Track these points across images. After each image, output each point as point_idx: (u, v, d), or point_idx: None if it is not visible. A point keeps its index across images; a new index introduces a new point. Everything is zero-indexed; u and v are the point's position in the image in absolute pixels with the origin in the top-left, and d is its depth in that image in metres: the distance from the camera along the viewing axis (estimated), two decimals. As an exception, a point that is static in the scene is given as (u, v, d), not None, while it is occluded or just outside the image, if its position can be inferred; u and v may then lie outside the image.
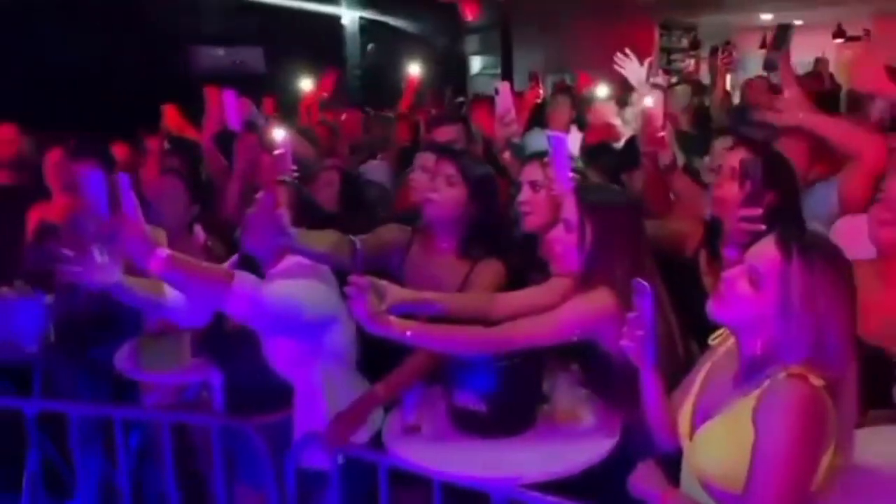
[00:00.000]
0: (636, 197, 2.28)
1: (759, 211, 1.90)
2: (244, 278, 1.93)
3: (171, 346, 2.59)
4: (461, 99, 7.48)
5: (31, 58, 6.97)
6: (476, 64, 11.10)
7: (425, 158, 2.61)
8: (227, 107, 3.20)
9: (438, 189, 2.22)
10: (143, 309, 2.40)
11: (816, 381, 1.36)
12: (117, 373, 2.71)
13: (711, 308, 1.49)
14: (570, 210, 1.95)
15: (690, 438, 1.56)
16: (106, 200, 2.48)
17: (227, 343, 2.24)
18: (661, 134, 2.42)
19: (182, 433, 2.72)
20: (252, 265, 2.17)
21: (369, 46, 8.92)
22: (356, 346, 2.19)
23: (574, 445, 1.89)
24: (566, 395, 1.99)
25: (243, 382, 2.23)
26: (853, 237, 2.08)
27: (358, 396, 2.07)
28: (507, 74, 9.99)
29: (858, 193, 2.17)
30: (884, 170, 2.07)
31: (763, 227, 1.86)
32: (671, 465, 1.65)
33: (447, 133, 2.92)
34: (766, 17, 10.51)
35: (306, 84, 5.35)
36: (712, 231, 2.18)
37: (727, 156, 2.14)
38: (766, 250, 1.43)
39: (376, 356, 2.20)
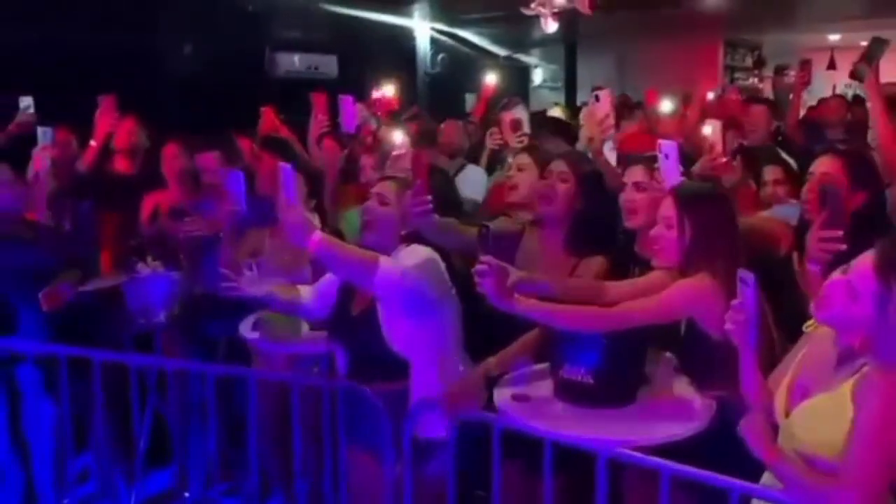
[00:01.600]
0: (728, 192, 2.45)
1: (838, 233, 1.97)
2: (386, 260, 2.19)
3: (291, 320, 2.84)
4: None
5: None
6: (538, 76, 11.32)
7: (522, 159, 2.84)
8: (345, 111, 3.48)
9: (553, 185, 2.44)
10: (284, 310, 2.68)
11: None
12: (230, 346, 2.99)
13: (815, 311, 1.66)
14: (668, 207, 2.14)
15: (787, 416, 1.73)
16: (244, 193, 2.79)
17: (353, 325, 2.46)
18: (722, 160, 2.63)
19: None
20: None
21: (439, 56, 9.20)
22: (462, 326, 2.42)
23: (673, 419, 2.06)
24: (665, 377, 2.18)
25: (366, 359, 2.44)
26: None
27: (469, 370, 2.29)
28: (570, 88, 10.18)
29: None
30: None
31: (844, 246, 1.92)
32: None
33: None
34: (834, 37, 10.49)
35: (387, 89, 5.62)
36: (803, 233, 2.32)
37: (818, 163, 2.33)
38: (866, 270, 1.55)
39: (478, 339, 2.43)
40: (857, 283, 1.56)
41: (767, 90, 10.57)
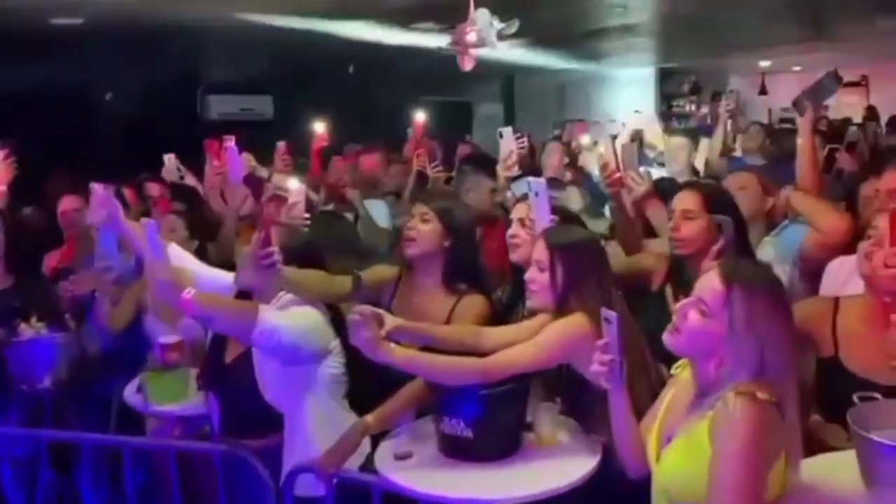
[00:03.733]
0: (597, 237, 2.46)
1: None
2: (266, 311, 2.10)
3: (177, 380, 2.70)
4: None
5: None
6: (482, 111, 11.42)
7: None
8: (230, 159, 3.37)
9: (414, 227, 2.41)
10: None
11: (763, 396, 1.47)
12: (123, 408, 2.83)
13: (668, 340, 1.63)
14: (540, 251, 2.13)
15: (657, 461, 1.66)
16: (116, 247, 2.66)
17: (226, 374, 2.37)
18: (617, 175, 2.70)
19: (187, 467, 2.83)
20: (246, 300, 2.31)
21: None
22: (346, 377, 2.31)
23: (558, 467, 1.98)
24: (548, 423, 2.09)
25: (240, 411, 2.34)
26: (846, 275, 2.27)
27: (348, 427, 2.18)
28: (509, 121, 10.28)
29: (815, 255, 2.50)
30: (843, 243, 2.36)
31: None
32: (645, 488, 1.74)
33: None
34: (765, 63, 10.74)
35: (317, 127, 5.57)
36: (676, 266, 2.36)
37: (678, 198, 2.41)
38: (712, 283, 1.59)
39: (364, 389, 2.32)
40: (705, 300, 1.58)
41: (702, 116, 10.80)
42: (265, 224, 2.16)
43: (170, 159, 4.45)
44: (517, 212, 2.46)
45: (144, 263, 2.11)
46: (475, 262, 2.46)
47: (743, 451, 1.45)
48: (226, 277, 2.44)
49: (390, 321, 1.96)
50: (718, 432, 1.49)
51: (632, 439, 1.74)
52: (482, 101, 11.00)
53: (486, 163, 4.07)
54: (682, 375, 1.73)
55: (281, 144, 4.05)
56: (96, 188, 2.41)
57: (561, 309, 2.06)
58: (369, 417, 2.16)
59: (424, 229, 2.40)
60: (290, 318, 2.17)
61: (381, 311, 1.96)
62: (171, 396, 2.68)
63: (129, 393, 2.79)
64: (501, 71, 9.99)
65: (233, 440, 2.32)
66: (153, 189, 3.94)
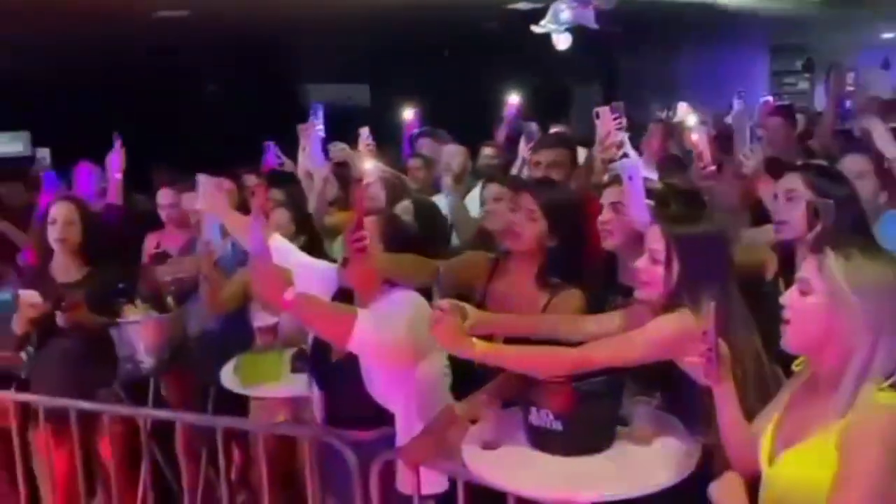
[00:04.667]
0: (723, 226, 2.27)
1: None
2: (365, 316, 2.02)
3: (271, 362, 2.74)
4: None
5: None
6: (581, 93, 11.11)
7: (495, 189, 2.70)
8: (312, 142, 3.44)
9: (519, 223, 2.28)
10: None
11: None
12: (222, 389, 2.90)
13: (783, 337, 1.52)
14: (654, 240, 1.95)
15: (770, 464, 1.53)
16: (219, 233, 2.71)
17: (331, 371, 2.32)
18: (711, 168, 2.52)
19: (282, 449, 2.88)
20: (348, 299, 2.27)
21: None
22: (449, 370, 2.25)
23: (652, 467, 1.87)
24: (645, 419, 1.98)
25: (343, 407, 2.30)
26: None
27: (434, 419, 2.13)
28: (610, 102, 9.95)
29: None
30: None
31: None
32: (749, 490, 1.62)
33: (549, 156, 2.97)
34: (888, 35, 9.99)
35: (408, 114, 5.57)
36: (785, 254, 2.20)
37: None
38: (807, 259, 1.52)
39: (468, 381, 2.25)
40: (804, 277, 1.50)
41: (820, 95, 10.14)
42: (357, 209, 2.12)
43: (269, 147, 4.53)
44: (609, 196, 2.32)
45: (250, 256, 2.09)
46: (577, 261, 2.32)
47: (874, 469, 1.33)
48: (330, 269, 2.40)
49: (473, 314, 1.90)
50: (853, 442, 1.36)
51: (739, 437, 1.63)
52: (580, 82, 10.72)
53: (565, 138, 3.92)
54: (802, 374, 1.61)
55: (363, 130, 4.03)
56: (202, 178, 2.45)
57: (671, 303, 1.91)
58: (458, 406, 2.11)
59: (530, 227, 2.27)
60: (388, 320, 2.08)
61: (463, 304, 1.90)
62: (265, 378, 2.72)
63: (226, 374, 2.84)
64: (601, 49, 9.68)
65: (331, 428, 2.31)
66: (250, 179, 4.02)
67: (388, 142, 5.33)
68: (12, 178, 4.86)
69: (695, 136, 2.61)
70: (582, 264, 2.32)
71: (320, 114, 3.72)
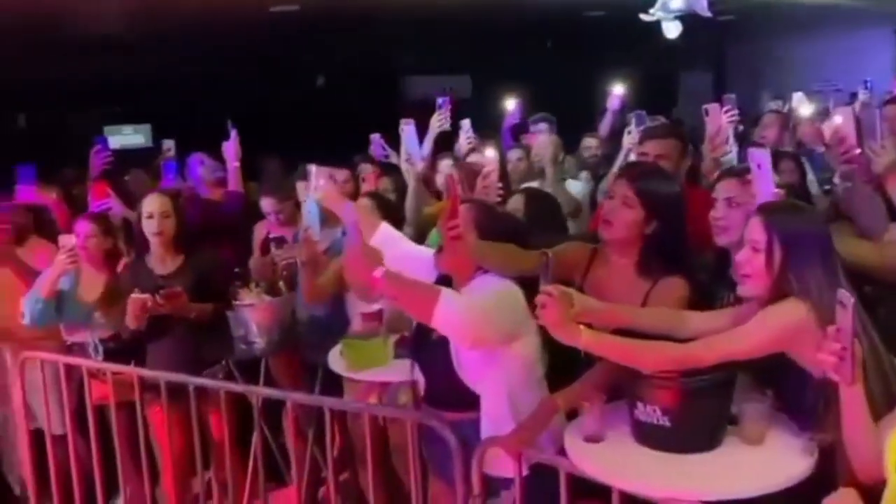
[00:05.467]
0: (825, 217, 2.16)
1: None
2: (449, 294, 2.06)
3: (375, 347, 2.82)
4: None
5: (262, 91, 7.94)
6: (688, 82, 10.75)
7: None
8: (407, 139, 3.50)
9: (612, 210, 2.24)
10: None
11: None
12: (328, 371, 3.00)
13: None
14: (756, 230, 1.90)
15: None
16: (318, 221, 2.81)
17: (430, 349, 2.37)
18: (856, 151, 2.34)
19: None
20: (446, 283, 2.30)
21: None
22: (542, 356, 2.26)
23: (763, 468, 1.81)
24: (756, 418, 1.91)
25: (442, 385, 2.35)
26: None
27: (536, 408, 2.13)
28: (719, 93, 9.57)
29: None
30: None
31: None
32: (873, 497, 1.55)
33: (657, 147, 2.91)
34: None
35: (508, 104, 5.55)
36: None
37: None
38: None
39: (562, 367, 2.25)
40: None
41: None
42: (451, 197, 2.15)
43: (375, 139, 4.62)
44: (724, 190, 2.24)
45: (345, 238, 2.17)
46: (678, 248, 2.24)
47: None
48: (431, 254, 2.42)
49: (580, 302, 1.89)
50: None
51: (866, 440, 1.57)
52: (688, 70, 10.37)
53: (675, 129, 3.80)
54: None
55: (465, 122, 4.06)
56: (314, 169, 2.55)
57: (778, 293, 1.85)
58: (558, 397, 2.11)
59: (625, 215, 2.21)
60: (473, 301, 2.12)
61: (570, 290, 1.89)
62: (369, 362, 2.79)
63: (333, 357, 2.94)
64: (709, 36, 9.34)
65: (432, 410, 2.36)
66: (365, 168, 4.11)
67: (490, 132, 5.35)
68: (137, 167, 5.16)
69: (838, 119, 2.42)
70: (685, 252, 2.26)
71: (446, 107, 3.76)
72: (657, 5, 4.33)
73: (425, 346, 2.41)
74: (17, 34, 6.53)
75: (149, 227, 3.19)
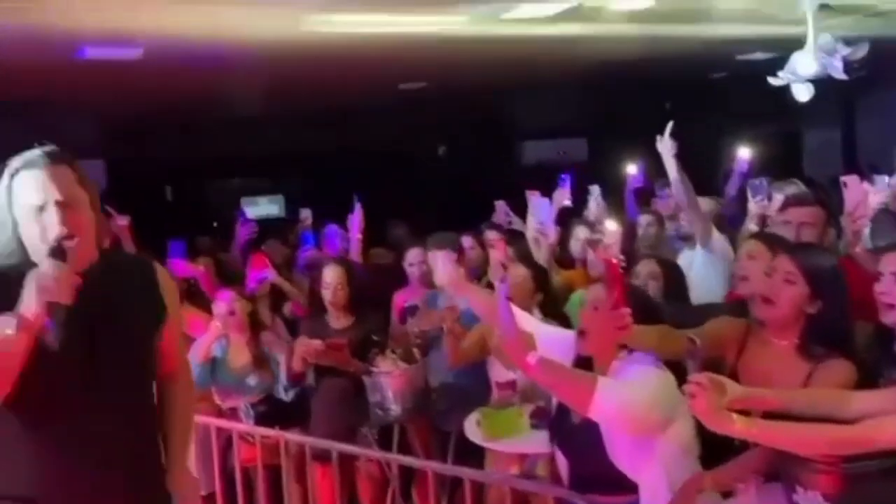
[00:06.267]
0: None
1: None
2: (606, 383, 2.05)
3: (511, 417, 2.84)
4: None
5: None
6: (814, 140, 10.32)
7: (753, 247, 2.57)
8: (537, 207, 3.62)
9: (775, 289, 2.14)
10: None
11: None
12: (461, 439, 3.04)
13: None
14: None
15: None
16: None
17: (573, 434, 2.32)
18: None
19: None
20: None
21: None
22: (696, 438, 2.20)
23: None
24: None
25: (587, 470, 2.29)
26: None
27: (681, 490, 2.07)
28: (849, 152, 9.10)
29: None
30: None
31: None
32: None
33: (801, 215, 2.82)
34: None
35: (630, 169, 5.52)
36: None
37: None
38: None
39: (717, 449, 2.17)
40: None
41: None
42: (613, 281, 2.09)
43: (500, 206, 4.72)
44: (890, 264, 2.14)
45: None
46: (843, 327, 2.13)
47: None
48: (567, 335, 2.41)
49: (732, 389, 1.81)
50: None
51: None
52: (813, 127, 9.98)
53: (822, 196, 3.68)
54: None
55: (594, 188, 4.09)
56: (438, 255, 2.60)
57: None
58: (707, 475, 2.05)
59: (788, 293, 2.12)
60: (631, 389, 2.08)
61: (721, 378, 1.83)
62: (507, 432, 2.81)
63: (469, 426, 2.98)
64: (837, 87, 8.97)
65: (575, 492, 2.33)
66: (491, 234, 4.19)
67: (607, 196, 5.34)
68: (272, 236, 5.49)
69: None
70: (850, 332, 2.15)
71: (567, 185, 3.85)
72: (787, 68, 4.22)
73: (568, 429, 2.36)
74: (169, 114, 7.19)
75: (326, 296, 3.57)
